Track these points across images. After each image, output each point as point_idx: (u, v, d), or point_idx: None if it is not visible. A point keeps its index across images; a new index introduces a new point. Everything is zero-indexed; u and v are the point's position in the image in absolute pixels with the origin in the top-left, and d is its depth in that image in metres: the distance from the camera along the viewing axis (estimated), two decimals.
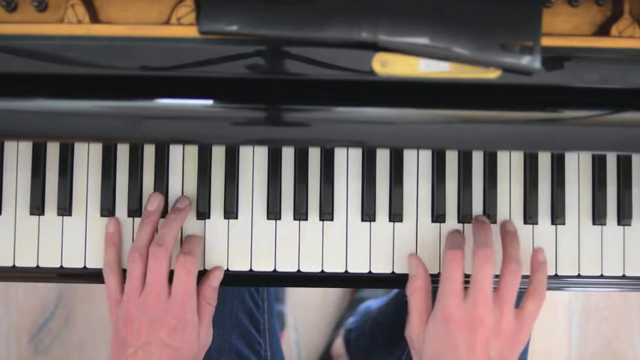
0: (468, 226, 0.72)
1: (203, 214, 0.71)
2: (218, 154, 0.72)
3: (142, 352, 0.64)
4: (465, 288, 0.65)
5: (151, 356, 0.64)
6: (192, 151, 0.71)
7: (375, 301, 1.35)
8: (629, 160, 0.72)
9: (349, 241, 0.71)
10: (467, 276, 0.66)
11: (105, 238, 0.70)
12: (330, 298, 1.44)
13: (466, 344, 0.62)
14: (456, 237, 0.69)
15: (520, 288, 0.66)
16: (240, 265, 0.71)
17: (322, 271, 0.71)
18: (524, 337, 0.65)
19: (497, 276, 0.67)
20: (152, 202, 0.69)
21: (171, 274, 0.66)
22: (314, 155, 0.72)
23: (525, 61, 0.59)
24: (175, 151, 0.72)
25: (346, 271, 0.71)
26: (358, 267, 0.71)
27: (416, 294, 0.68)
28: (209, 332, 0.69)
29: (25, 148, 0.71)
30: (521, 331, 0.65)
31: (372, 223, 0.72)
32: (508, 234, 0.69)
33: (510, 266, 0.66)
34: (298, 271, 0.71)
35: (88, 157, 0.71)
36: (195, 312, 0.66)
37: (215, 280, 0.70)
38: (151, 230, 0.68)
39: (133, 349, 0.64)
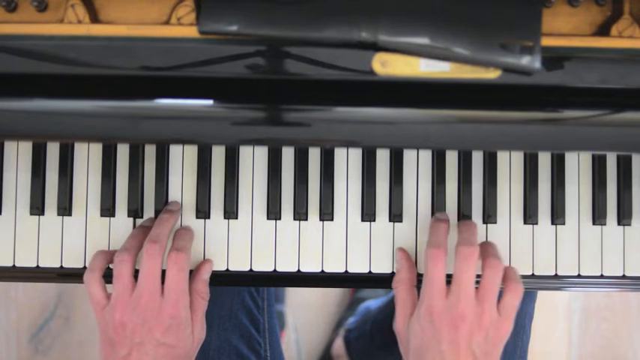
0: None
1: (203, 213, 0.71)
2: (218, 154, 0.72)
3: (136, 352, 0.63)
4: (448, 282, 0.64)
5: (145, 356, 0.63)
6: (192, 151, 0.71)
7: (375, 301, 1.35)
8: (629, 160, 0.72)
9: (349, 241, 0.71)
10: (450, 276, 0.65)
11: (103, 250, 0.69)
12: (330, 298, 1.44)
13: (449, 340, 0.62)
14: (440, 231, 0.68)
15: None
16: (240, 265, 0.71)
17: (322, 271, 0.71)
18: (506, 331, 0.65)
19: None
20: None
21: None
22: (314, 155, 0.72)
23: (525, 61, 0.59)
24: (175, 151, 0.72)
25: (346, 271, 0.71)
26: (358, 267, 0.71)
27: (400, 287, 0.68)
28: (203, 327, 0.69)
29: (25, 148, 0.71)
30: (503, 325, 0.64)
31: (372, 223, 0.72)
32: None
33: (490, 261, 0.65)
34: (298, 271, 0.71)
35: (88, 157, 0.71)
36: (188, 309, 0.66)
37: (206, 274, 0.70)
38: (142, 239, 0.67)
39: (126, 350, 0.63)
